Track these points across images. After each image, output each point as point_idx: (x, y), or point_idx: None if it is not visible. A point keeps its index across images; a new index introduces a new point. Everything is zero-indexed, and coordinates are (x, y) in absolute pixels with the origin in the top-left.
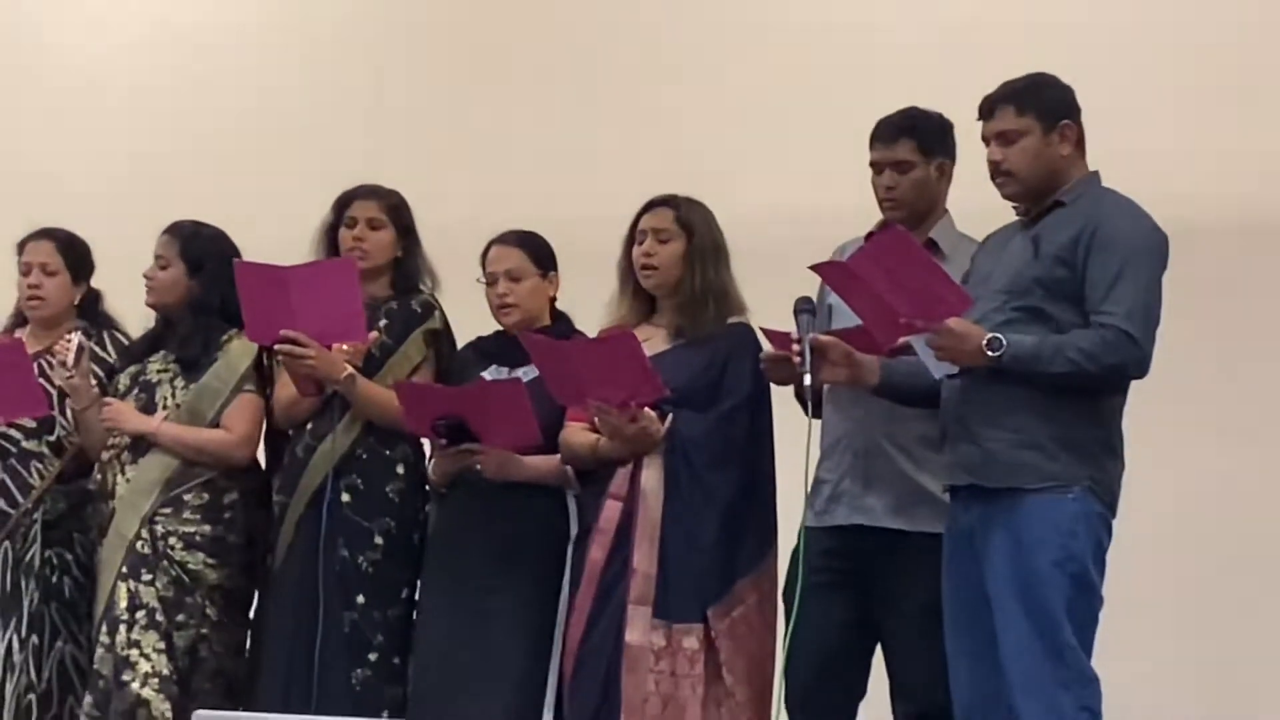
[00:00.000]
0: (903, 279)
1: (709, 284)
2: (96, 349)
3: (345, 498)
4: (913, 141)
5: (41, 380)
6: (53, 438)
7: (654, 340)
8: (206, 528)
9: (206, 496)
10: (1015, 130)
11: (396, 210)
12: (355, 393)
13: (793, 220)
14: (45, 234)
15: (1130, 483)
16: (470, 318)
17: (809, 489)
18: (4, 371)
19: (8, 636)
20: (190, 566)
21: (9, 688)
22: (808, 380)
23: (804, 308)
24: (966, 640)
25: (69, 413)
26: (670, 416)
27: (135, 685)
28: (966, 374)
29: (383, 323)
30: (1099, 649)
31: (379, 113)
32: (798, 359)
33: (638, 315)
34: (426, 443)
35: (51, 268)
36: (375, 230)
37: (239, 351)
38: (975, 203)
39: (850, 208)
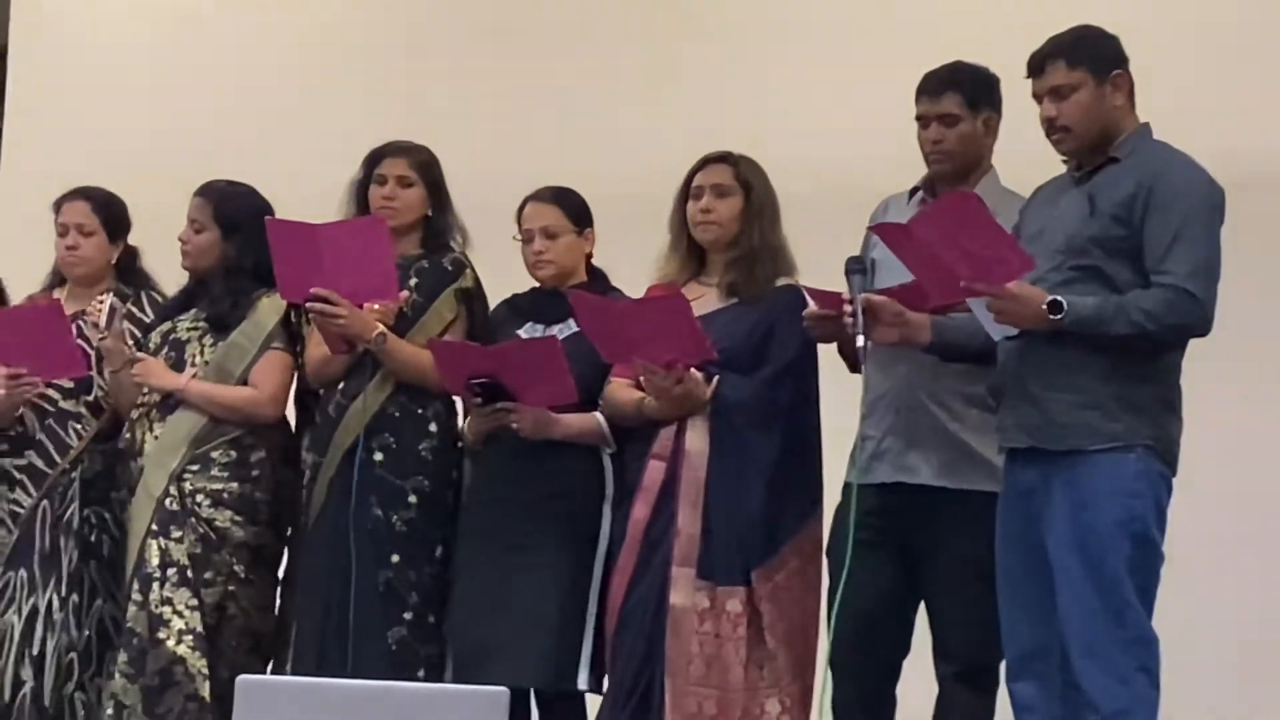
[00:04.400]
0: (964, 241)
1: (765, 241)
2: (133, 309)
3: (378, 456)
4: (959, 95)
5: (79, 341)
6: (90, 397)
7: (705, 299)
8: (234, 485)
9: (234, 454)
10: (1068, 84)
11: (426, 167)
12: (386, 352)
13: (832, 174)
14: (81, 194)
15: (1186, 442)
16: (506, 276)
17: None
18: (42, 333)
19: (48, 595)
20: (217, 524)
21: (50, 646)
22: (860, 341)
23: (855, 268)
24: (1021, 598)
25: (105, 373)
26: (716, 379)
27: (170, 643)
28: (1025, 335)
29: (413, 281)
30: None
31: (415, 69)
32: (849, 319)
33: (688, 272)
34: (458, 400)
35: (88, 228)
36: (405, 188)
37: (267, 309)
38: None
39: (891, 161)
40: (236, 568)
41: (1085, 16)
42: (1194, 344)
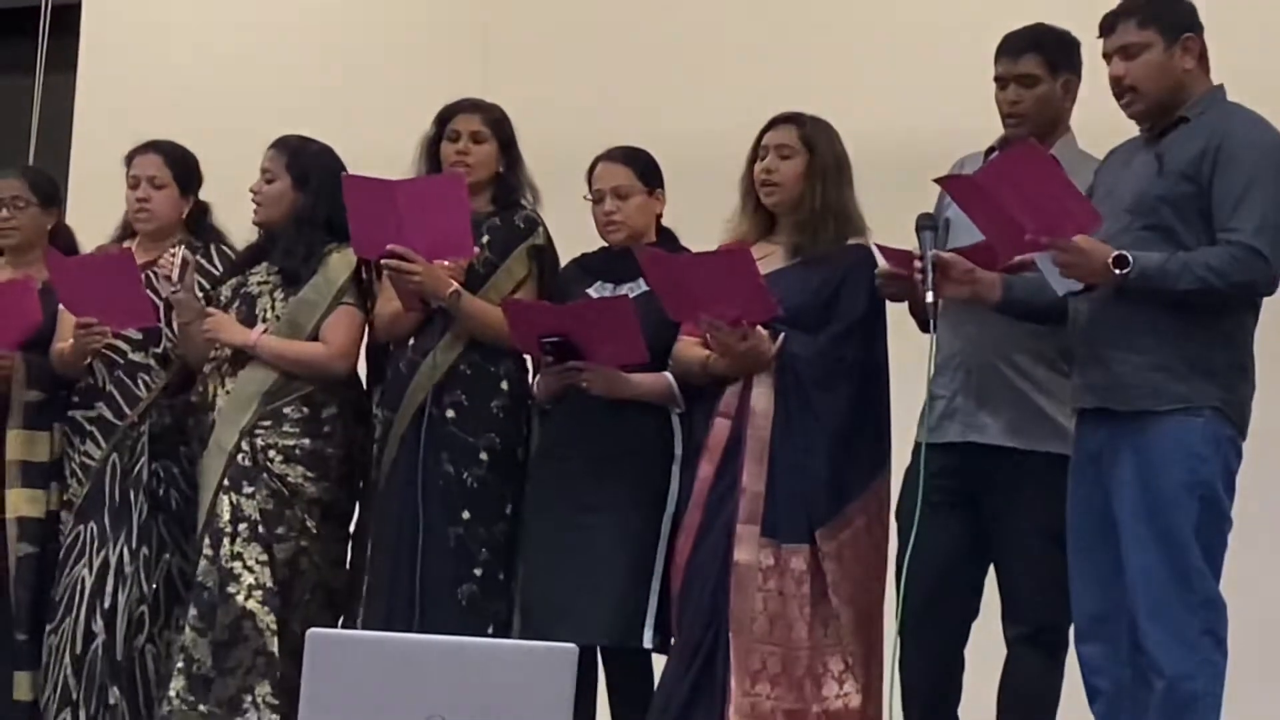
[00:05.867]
0: (1031, 194)
1: (829, 202)
2: (203, 262)
3: (449, 414)
4: (1039, 56)
5: (149, 292)
6: (159, 350)
7: (771, 257)
8: (305, 441)
9: (305, 410)
10: (1137, 44)
11: (499, 124)
12: (460, 309)
13: (910, 137)
14: (153, 147)
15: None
16: (578, 234)
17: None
18: (112, 282)
19: (119, 548)
20: (289, 479)
21: (121, 599)
22: (929, 298)
23: (926, 224)
24: (1090, 561)
25: (175, 325)
26: (782, 336)
27: (240, 597)
28: (1093, 294)
29: (485, 238)
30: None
31: (491, 30)
32: (919, 276)
33: (758, 232)
34: (529, 357)
35: (159, 181)
36: (479, 144)
37: (338, 264)
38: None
39: (968, 126)
40: (309, 523)
41: None
42: (1267, 305)
